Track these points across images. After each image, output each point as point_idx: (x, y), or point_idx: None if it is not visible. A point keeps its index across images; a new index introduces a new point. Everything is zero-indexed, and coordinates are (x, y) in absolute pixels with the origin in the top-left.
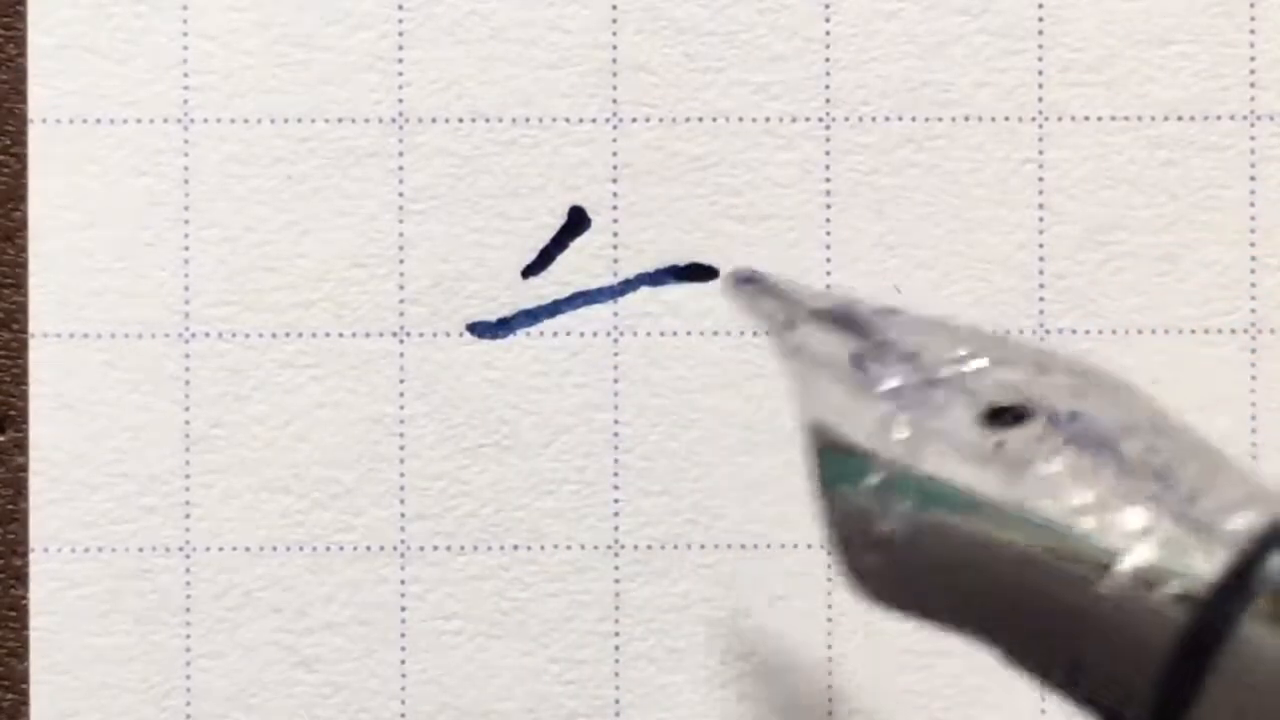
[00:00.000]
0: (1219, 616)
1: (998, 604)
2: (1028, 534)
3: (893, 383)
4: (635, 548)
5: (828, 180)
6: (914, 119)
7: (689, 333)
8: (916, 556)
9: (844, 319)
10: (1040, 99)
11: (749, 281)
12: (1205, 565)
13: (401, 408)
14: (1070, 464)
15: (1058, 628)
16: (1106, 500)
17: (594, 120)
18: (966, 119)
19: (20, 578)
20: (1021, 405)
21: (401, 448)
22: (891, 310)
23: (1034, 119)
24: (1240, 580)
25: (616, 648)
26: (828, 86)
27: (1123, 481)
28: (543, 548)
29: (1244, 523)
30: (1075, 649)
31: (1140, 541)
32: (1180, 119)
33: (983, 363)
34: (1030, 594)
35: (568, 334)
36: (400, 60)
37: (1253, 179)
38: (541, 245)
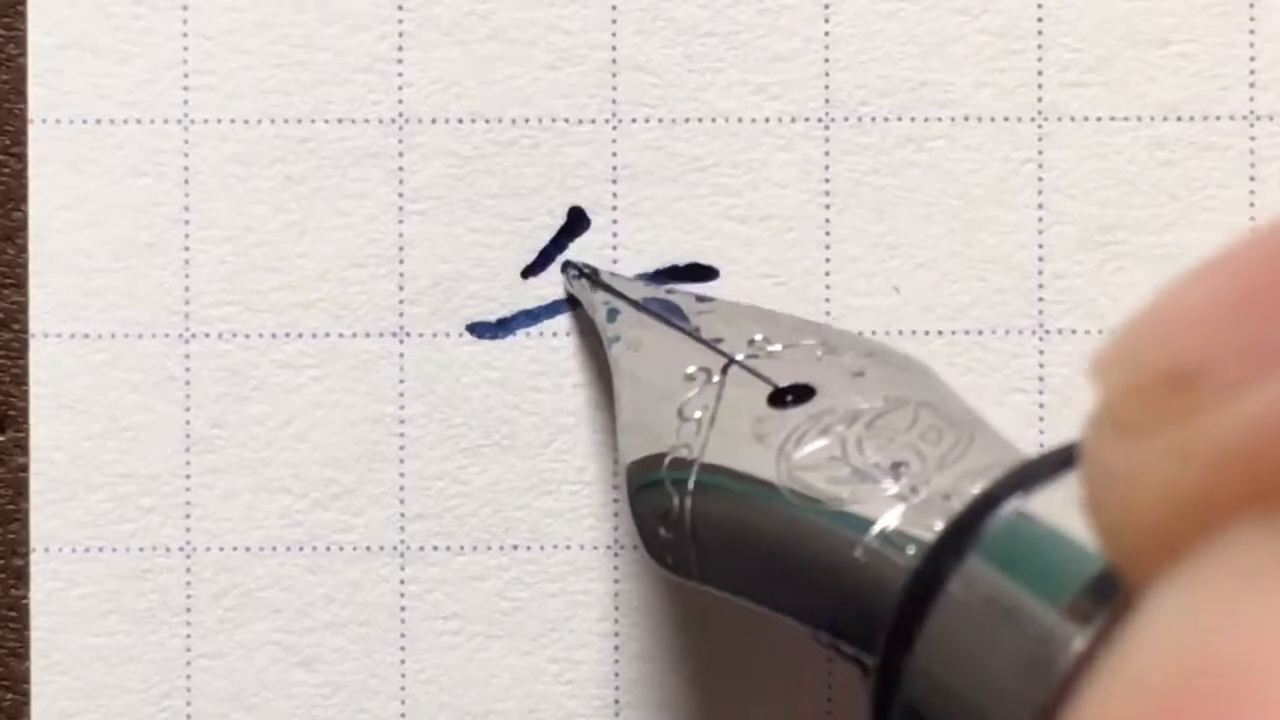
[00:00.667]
0: (936, 569)
1: (772, 574)
2: (796, 506)
3: (691, 368)
4: (635, 548)
5: (827, 180)
6: (913, 119)
7: None
8: (703, 531)
9: (661, 308)
10: (1040, 99)
11: (582, 275)
12: (940, 528)
13: (401, 408)
14: (837, 439)
15: (821, 593)
16: (865, 472)
17: (594, 121)
18: (966, 119)
19: (21, 578)
20: (804, 385)
21: (401, 448)
22: (704, 298)
23: (1033, 119)
24: (958, 538)
25: (616, 648)
26: (827, 87)
27: (881, 455)
28: (542, 548)
29: (979, 488)
30: (835, 610)
31: (889, 509)
32: (1180, 119)
33: (776, 346)
34: (798, 563)
35: (568, 334)
36: (400, 61)
37: (1252, 179)
38: (541, 245)
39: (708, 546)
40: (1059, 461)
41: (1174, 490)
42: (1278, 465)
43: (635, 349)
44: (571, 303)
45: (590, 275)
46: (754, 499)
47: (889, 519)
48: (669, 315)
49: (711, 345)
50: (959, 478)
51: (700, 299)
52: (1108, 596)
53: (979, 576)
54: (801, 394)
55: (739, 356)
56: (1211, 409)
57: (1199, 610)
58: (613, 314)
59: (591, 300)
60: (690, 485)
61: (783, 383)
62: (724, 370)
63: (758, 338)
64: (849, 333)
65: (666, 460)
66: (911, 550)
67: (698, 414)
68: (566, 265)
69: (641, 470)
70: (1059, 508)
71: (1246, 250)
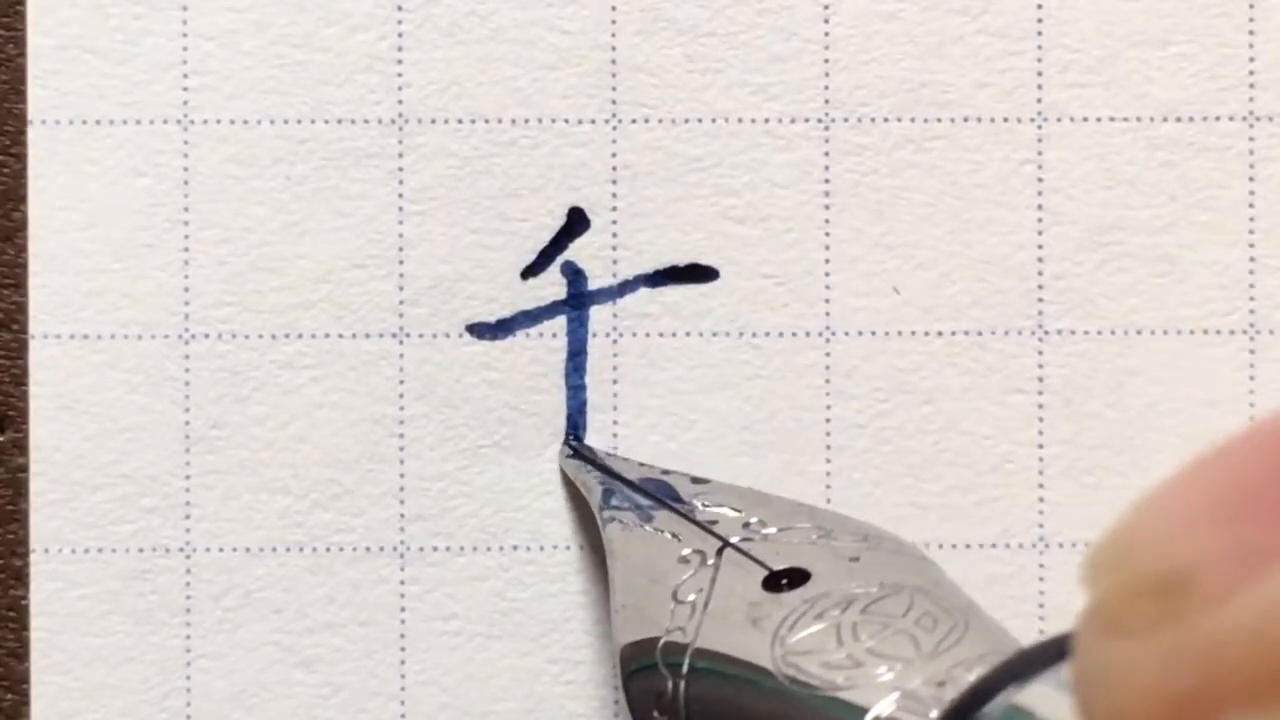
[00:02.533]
0: None
1: None
2: (790, 693)
3: (686, 551)
4: None
5: (827, 181)
6: (913, 120)
7: (689, 333)
8: (697, 716)
9: (656, 488)
10: (1039, 100)
11: (575, 455)
12: (935, 716)
13: (401, 408)
14: (832, 624)
15: None
16: (859, 658)
17: (593, 121)
18: (965, 120)
19: (20, 578)
20: (800, 569)
21: (401, 448)
22: (699, 480)
23: (1033, 120)
24: None
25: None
26: (827, 87)
27: (875, 641)
28: (542, 548)
29: (974, 676)
30: None
31: (885, 697)
32: (1179, 120)
33: (771, 530)
34: None
35: (567, 335)
36: (400, 61)
37: (1252, 180)
38: (541, 246)
39: None
40: (1054, 652)
41: (1164, 692)
42: (1265, 665)
43: (630, 531)
44: (571, 303)
45: (587, 455)
46: (748, 684)
47: (884, 706)
48: (664, 495)
49: (706, 527)
50: (953, 665)
51: (695, 480)
52: None
53: None
54: (797, 578)
55: (734, 539)
56: (1203, 612)
57: None
58: (608, 495)
59: (585, 481)
60: (684, 669)
61: (778, 566)
62: (719, 553)
63: (752, 520)
64: (844, 516)
65: (661, 644)
66: None
67: (692, 597)
68: (565, 443)
69: (636, 653)
70: (1053, 699)
71: (1235, 449)
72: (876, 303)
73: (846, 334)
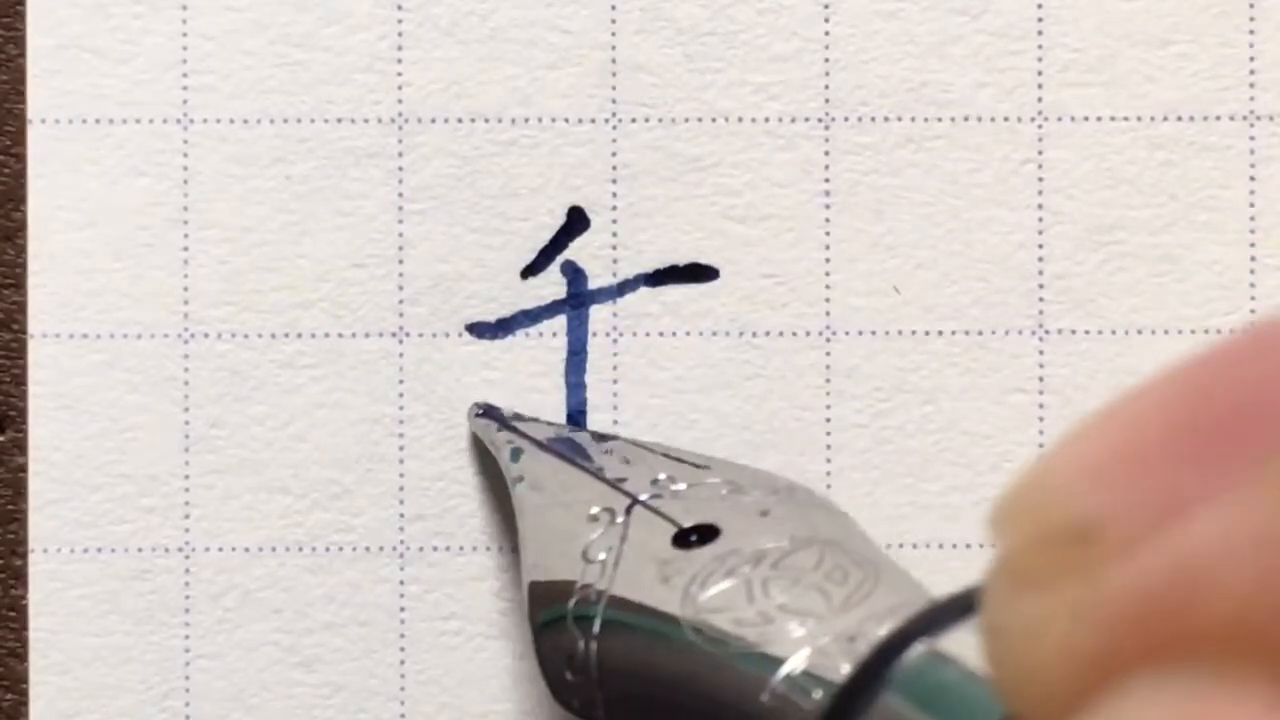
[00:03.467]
0: (843, 713)
1: (679, 715)
2: (702, 648)
3: (595, 509)
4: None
5: (827, 180)
6: (913, 119)
7: (689, 333)
8: (609, 673)
9: (565, 447)
10: (1040, 99)
11: (485, 415)
12: (846, 672)
13: (401, 408)
14: (743, 580)
15: None
16: (769, 614)
17: (593, 121)
18: (966, 119)
19: (20, 578)
20: (709, 525)
21: (401, 448)
22: (605, 437)
23: (1033, 119)
24: (863, 682)
25: None
26: (827, 87)
27: (786, 596)
28: None
29: (885, 631)
30: None
31: (795, 651)
32: (1180, 119)
33: (680, 485)
34: (705, 706)
35: (567, 334)
36: (399, 60)
37: (1252, 179)
38: (541, 246)
39: (614, 689)
40: (966, 604)
41: (1073, 645)
42: (1173, 620)
43: (538, 489)
44: (571, 303)
45: (494, 414)
46: (659, 641)
47: (795, 662)
48: (572, 455)
49: (615, 485)
50: (864, 619)
51: (602, 438)
52: None
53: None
54: (706, 534)
55: (643, 496)
56: (1109, 563)
57: None
58: (516, 453)
59: (494, 440)
60: (595, 628)
61: (687, 523)
62: (628, 510)
63: (661, 477)
64: (755, 470)
65: (571, 602)
66: (818, 694)
67: (602, 555)
68: (472, 406)
69: (545, 610)
70: (966, 651)
71: (1142, 399)
72: (877, 302)
73: (847, 333)
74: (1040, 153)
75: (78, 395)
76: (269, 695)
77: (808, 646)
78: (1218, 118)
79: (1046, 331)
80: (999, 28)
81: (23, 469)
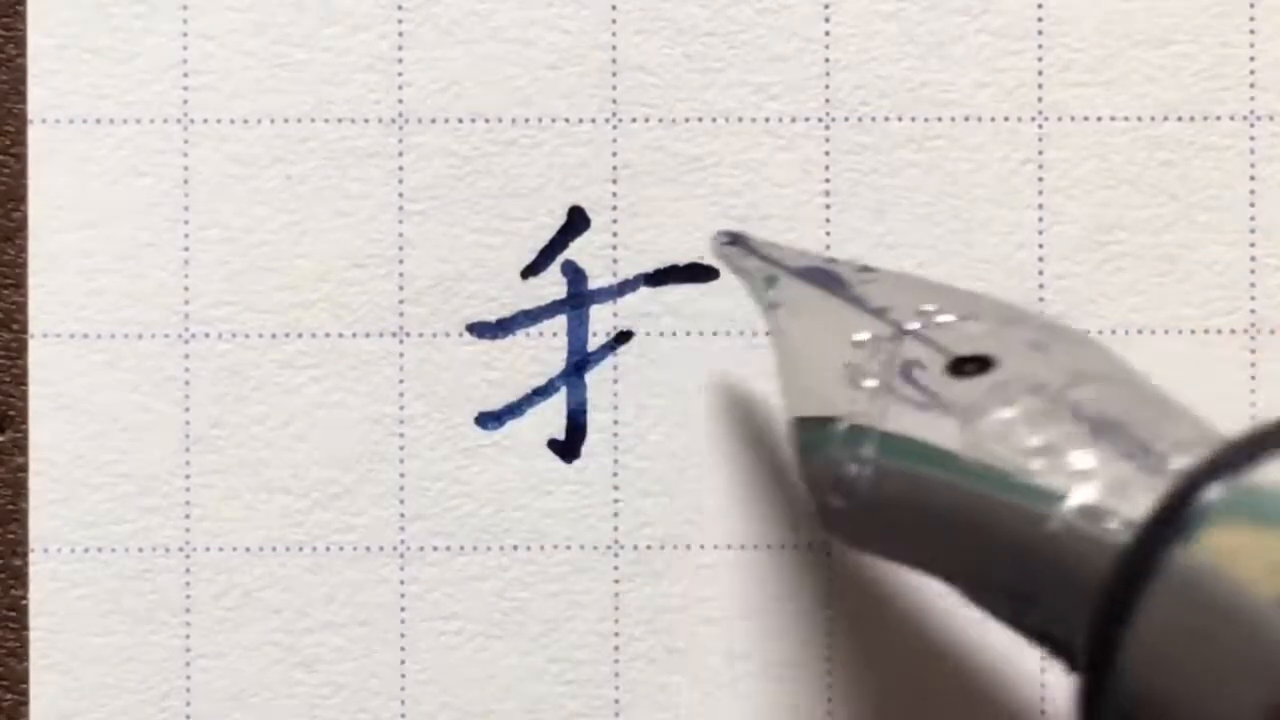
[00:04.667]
0: (1152, 548)
1: (954, 543)
2: (981, 477)
3: (863, 336)
4: (635, 548)
5: (827, 180)
6: (914, 119)
7: (689, 333)
8: (879, 499)
9: (821, 276)
10: (1040, 99)
11: (733, 242)
12: (1146, 503)
13: (401, 408)
14: (1024, 410)
15: (1009, 564)
16: (1056, 444)
17: (593, 120)
18: (966, 119)
19: (20, 578)
20: (984, 356)
21: (401, 448)
22: (867, 268)
23: (1034, 119)
24: (1174, 514)
25: (616, 648)
26: (827, 86)
27: (1072, 426)
28: (542, 548)
29: (1185, 462)
30: (1024, 584)
31: (1085, 482)
32: (1180, 119)
33: (949, 317)
34: (983, 534)
35: (567, 334)
36: (400, 60)
37: (1252, 179)
38: (541, 246)
39: (886, 515)
40: (1272, 439)
41: None
42: None
43: (798, 316)
44: (572, 303)
45: (742, 242)
46: (937, 469)
47: (1086, 492)
48: (830, 284)
49: (880, 314)
50: (1160, 452)
51: (863, 269)
52: None
53: (1198, 555)
54: (981, 364)
55: (912, 325)
56: None
57: None
58: (771, 280)
59: (745, 267)
60: (869, 453)
61: (961, 352)
62: (898, 338)
63: (928, 308)
64: (1022, 308)
65: (841, 426)
66: (1114, 525)
67: (871, 382)
68: (718, 233)
69: (810, 433)
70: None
71: None
72: None
73: None
74: (1040, 153)
75: (78, 395)
76: (269, 695)
77: (1098, 477)
78: (1218, 118)
79: None
80: (999, 28)
81: (23, 469)
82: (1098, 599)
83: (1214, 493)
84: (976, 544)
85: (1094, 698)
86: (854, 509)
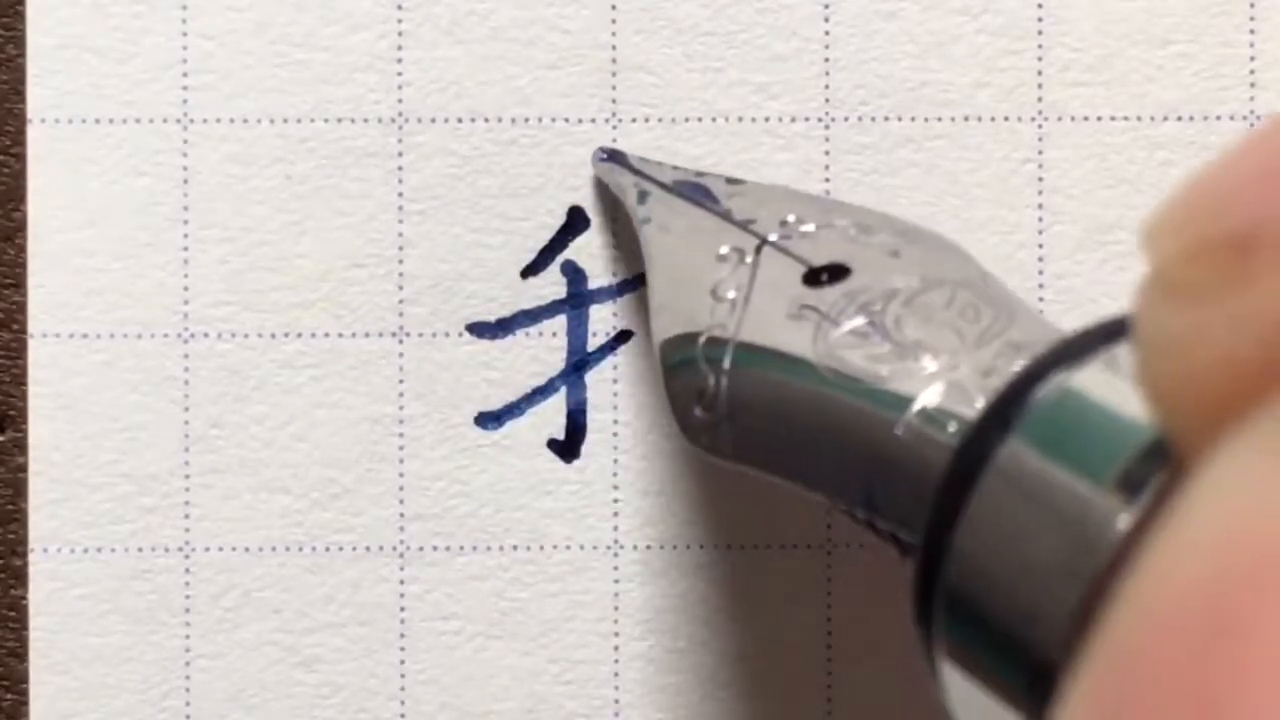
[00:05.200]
0: (979, 447)
1: (810, 451)
2: (834, 385)
3: (724, 249)
4: (635, 548)
5: (827, 180)
6: (913, 119)
7: None
8: (738, 410)
9: (691, 190)
10: (1040, 99)
11: (609, 158)
12: (981, 404)
13: (401, 408)
14: (875, 317)
15: (861, 469)
16: (904, 349)
17: (593, 120)
18: (966, 119)
19: (19, 577)
20: (839, 264)
21: (401, 448)
22: (735, 180)
23: (1034, 119)
24: (1002, 413)
25: (616, 648)
26: (827, 86)
27: (921, 331)
28: (542, 548)
29: (1020, 365)
30: (876, 488)
31: (930, 385)
32: (1180, 119)
33: (809, 227)
34: (836, 440)
35: (567, 334)
36: (399, 60)
37: None
38: (541, 246)
39: (744, 425)
40: (1102, 336)
41: (1232, 356)
42: None
43: (666, 231)
44: (571, 303)
45: (619, 158)
46: (791, 377)
47: (929, 396)
48: (699, 197)
49: (743, 226)
50: (999, 354)
51: (730, 181)
52: (1155, 471)
53: (1024, 452)
54: (837, 273)
55: (772, 237)
56: (1270, 273)
57: (1256, 478)
58: (643, 196)
59: (620, 183)
60: (726, 364)
61: (817, 262)
62: (757, 250)
63: (790, 219)
64: (883, 213)
65: (701, 340)
66: (953, 427)
67: (731, 294)
68: (596, 150)
69: (675, 349)
70: (1103, 383)
71: None
72: None
73: None
74: (1040, 152)
75: (78, 395)
76: (269, 695)
77: (942, 381)
78: (1218, 118)
79: None
80: (999, 27)
81: (23, 468)
82: (931, 500)
83: (1042, 392)
84: (831, 450)
85: (925, 596)
86: (714, 420)
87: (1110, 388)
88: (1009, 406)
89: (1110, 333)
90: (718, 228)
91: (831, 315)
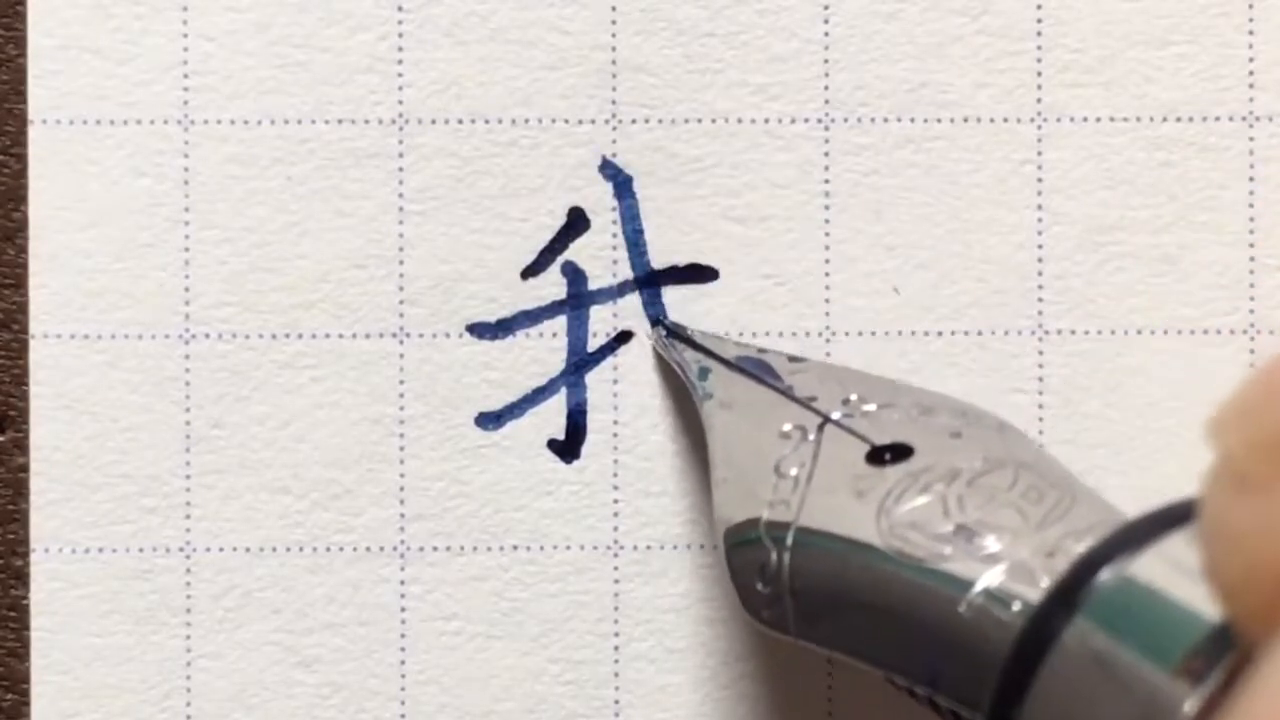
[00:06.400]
0: (1044, 630)
1: (873, 628)
2: (897, 563)
3: (787, 426)
4: (635, 548)
5: (826, 181)
6: (913, 120)
7: None
8: (801, 587)
9: (753, 366)
10: (1039, 100)
11: (671, 334)
12: (1046, 585)
13: (401, 408)
14: (937, 497)
15: (924, 647)
16: (967, 530)
17: (593, 121)
18: (965, 120)
19: (21, 578)
20: (902, 444)
21: (401, 448)
22: (796, 358)
23: (1033, 120)
24: (1066, 597)
25: (616, 648)
26: (826, 87)
27: (983, 512)
28: (542, 548)
29: (1084, 547)
30: (938, 666)
31: (993, 567)
32: (1179, 120)
33: (871, 406)
34: (899, 618)
35: (567, 335)
36: (400, 61)
37: (1251, 180)
38: (541, 246)
39: (806, 601)
40: (1165, 521)
41: None
42: None
43: (728, 407)
44: (572, 304)
45: (681, 334)
46: (854, 555)
47: (993, 576)
48: (761, 374)
49: (806, 404)
50: (1062, 536)
51: (792, 358)
52: (1219, 657)
53: (1088, 635)
54: (899, 453)
55: (835, 415)
56: None
57: None
58: (704, 372)
59: (681, 359)
60: (789, 541)
61: (880, 441)
62: (820, 428)
63: (852, 398)
64: (942, 394)
65: (764, 516)
66: (1017, 607)
67: (794, 471)
68: (655, 323)
69: (739, 527)
70: (1167, 568)
71: None
72: (876, 303)
73: (846, 334)
74: (1039, 153)
75: (79, 395)
76: (270, 695)
77: (1005, 561)
78: (1217, 118)
79: (1046, 332)
80: (998, 29)
81: (24, 469)
82: (996, 679)
83: (1107, 575)
84: (894, 628)
85: None
86: (776, 595)
87: (1174, 573)
88: (1075, 589)
89: (1173, 518)
90: (780, 404)
91: (895, 493)
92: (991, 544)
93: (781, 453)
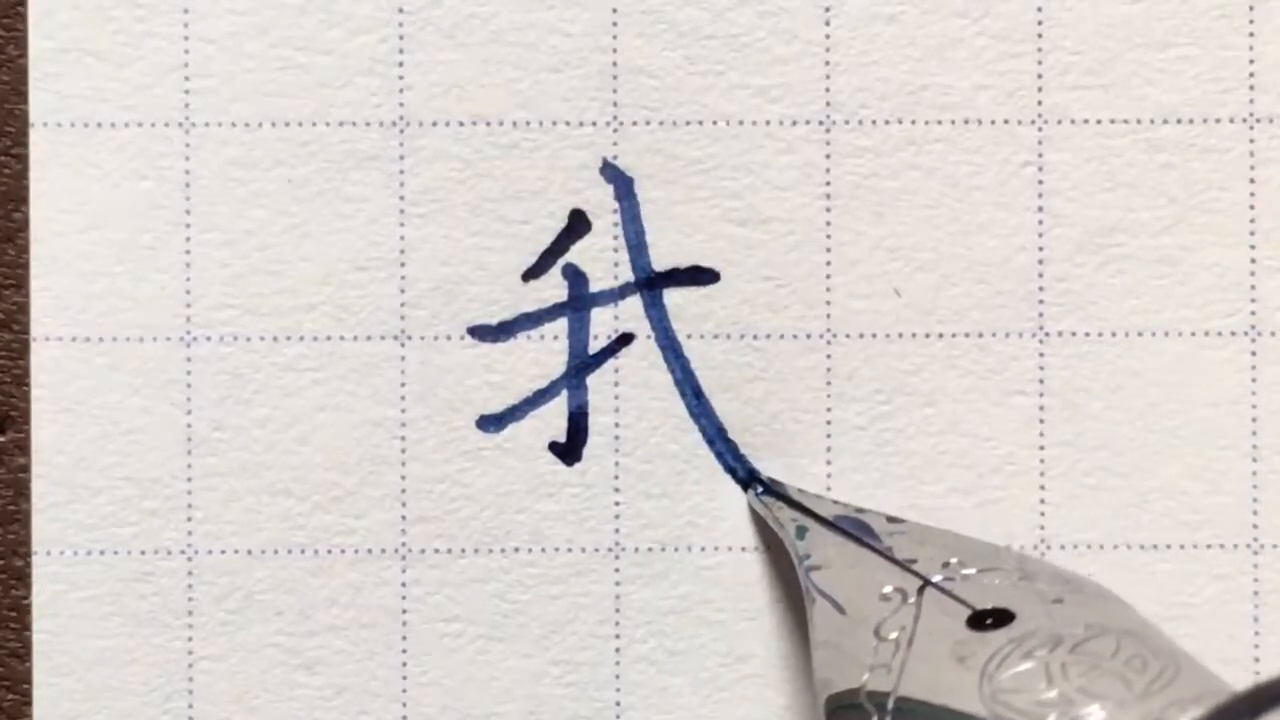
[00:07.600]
0: None
1: None
2: None
3: (887, 588)
4: (636, 550)
5: (828, 183)
6: (914, 122)
7: (689, 335)
8: None
9: (852, 526)
10: (1040, 102)
11: (768, 490)
12: None
13: (403, 410)
14: (1040, 664)
15: None
16: (1069, 697)
17: (594, 123)
18: (966, 122)
19: (22, 579)
20: (1003, 609)
21: (403, 450)
22: (895, 519)
23: (1033, 122)
24: None
25: (617, 650)
26: (828, 90)
27: (1086, 680)
28: (544, 550)
29: (1190, 718)
30: None
31: None
32: (1180, 122)
33: (971, 570)
34: None
35: (568, 337)
36: (401, 64)
37: (1252, 181)
38: (542, 249)
39: None
40: (1271, 697)
41: None
42: None
43: (827, 567)
44: (573, 306)
45: (778, 492)
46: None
47: None
48: (860, 534)
49: (906, 566)
50: (1166, 706)
51: (890, 519)
52: None
53: None
54: (1001, 618)
55: (935, 578)
56: None
57: None
58: (801, 530)
59: (778, 518)
60: (890, 705)
61: (981, 606)
62: (920, 591)
63: (952, 561)
64: (1044, 561)
65: (865, 683)
66: None
67: (894, 635)
68: (752, 483)
69: (840, 695)
70: None
71: None
72: (877, 305)
73: (847, 336)
74: (1040, 155)
75: (80, 398)
76: (271, 697)
77: None
78: (1217, 120)
79: (1046, 334)
80: (999, 31)
81: (25, 471)
82: None
83: None
84: None
85: None
86: None
87: None
88: None
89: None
90: (880, 566)
91: (997, 659)
92: (1095, 712)
93: (882, 615)
